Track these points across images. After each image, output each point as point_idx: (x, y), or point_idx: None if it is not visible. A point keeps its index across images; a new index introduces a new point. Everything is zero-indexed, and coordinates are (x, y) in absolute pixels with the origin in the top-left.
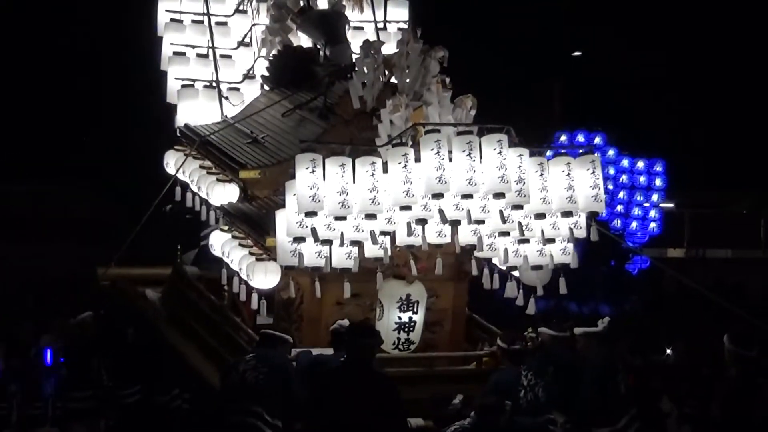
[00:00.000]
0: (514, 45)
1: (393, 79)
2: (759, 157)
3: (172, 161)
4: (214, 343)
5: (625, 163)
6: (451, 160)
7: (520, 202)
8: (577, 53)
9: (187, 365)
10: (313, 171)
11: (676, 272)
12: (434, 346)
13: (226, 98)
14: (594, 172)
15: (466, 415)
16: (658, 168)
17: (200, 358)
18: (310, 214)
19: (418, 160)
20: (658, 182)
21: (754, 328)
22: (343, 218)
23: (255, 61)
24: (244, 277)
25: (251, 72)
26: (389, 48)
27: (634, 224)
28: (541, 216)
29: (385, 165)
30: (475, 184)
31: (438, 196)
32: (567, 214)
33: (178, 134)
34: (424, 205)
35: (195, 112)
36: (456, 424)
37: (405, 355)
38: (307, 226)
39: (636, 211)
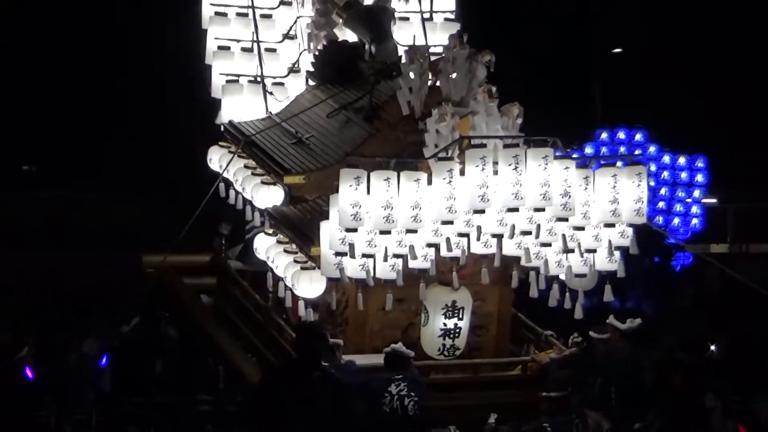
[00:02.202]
0: (553, 43)
1: (437, 83)
2: None
3: (215, 157)
4: (257, 343)
5: (667, 159)
6: (496, 173)
7: (565, 215)
8: (617, 50)
9: (233, 366)
10: (356, 188)
11: (716, 271)
12: (479, 349)
13: (271, 93)
14: (640, 184)
15: None
16: (700, 164)
17: (244, 358)
18: (351, 230)
19: (463, 171)
20: (699, 178)
21: None
22: (388, 232)
23: (300, 54)
24: (289, 284)
25: (296, 66)
26: (436, 39)
27: (676, 221)
28: (581, 228)
29: (429, 176)
30: (521, 198)
31: (480, 212)
32: (609, 225)
33: (222, 130)
34: (467, 221)
35: (239, 107)
36: None
37: (450, 361)
38: (348, 242)
39: (678, 207)
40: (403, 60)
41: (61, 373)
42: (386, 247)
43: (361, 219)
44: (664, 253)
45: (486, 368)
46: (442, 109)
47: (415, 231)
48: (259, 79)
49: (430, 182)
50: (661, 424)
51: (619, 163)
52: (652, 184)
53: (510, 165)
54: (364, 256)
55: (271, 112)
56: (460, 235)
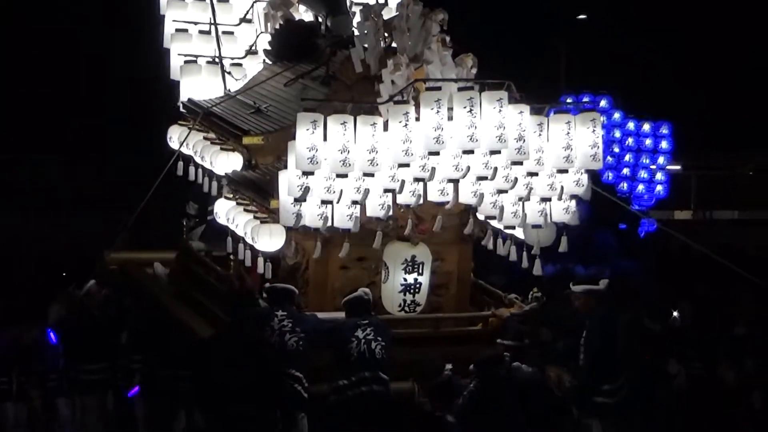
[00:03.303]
0: (518, 9)
1: (393, 44)
2: (766, 118)
3: (175, 135)
4: (222, 315)
5: (631, 125)
6: (451, 118)
7: (520, 158)
8: (581, 16)
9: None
10: (312, 132)
11: (684, 235)
12: (440, 309)
13: (229, 73)
14: (594, 130)
15: (456, 383)
16: (664, 130)
17: (209, 331)
18: (308, 173)
19: (419, 118)
20: (664, 144)
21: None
22: (345, 176)
23: (257, 37)
24: (249, 241)
25: (254, 48)
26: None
27: (640, 187)
28: (533, 174)
29: (386, 124)
30: (477, 140)
31: (435, 154)
32: (563, 171)
33: (181, 109)
34: (422, 166)
35: (198, 87)
36: (464, 393)
37: (411, 316)
38: (305, 185)
39: (642, 173)
40: (358, 19)
41: (25, 340)
42: (341, 190)
43: (317, 162)
44: (631, 220)
45: (447, 324)
46: (397, 59)
47: (372, 174)
48: (217, 59)
49: (386, 129)
50: (629, 389)
51: None
52: (617, 150)
53: (465, 108)
54: (322, 202)
55: (229, 90)
56: (416, 180)
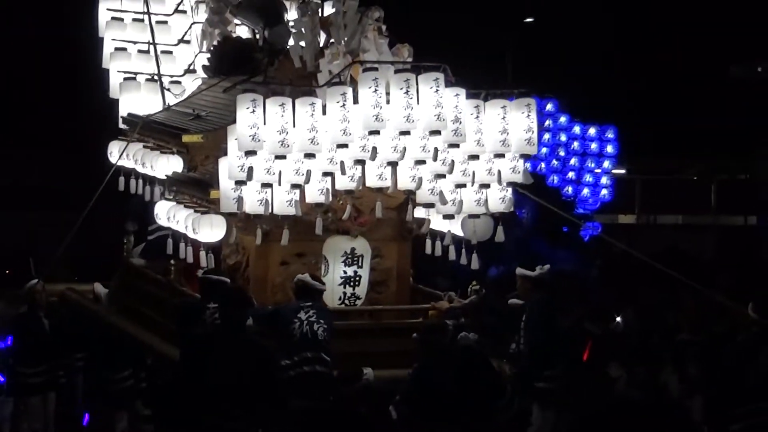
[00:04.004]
0: (464, 10)
1: (331, 40)
2: (709, 123)
3: (115, 150)
4: (165, 321)
5: (577, 129)
6: (388, 102)
7: (457, 140)
8: (528, 20)
9: (144, 347)
10: (253, 111)
11: (628, 239)
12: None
13: (168, 90)
14: (529, 115)
15: (374, 387)
16: (610, 135)
17: (153, 338)
18: (250, 153)
19: (356, 101)
20: (609, 149)
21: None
22: (283, 157)
23: (195, 56)
24: (190, 234)
25: (192, 67)
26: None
27: (585, 191)
28: (474, 157)
29: (324, 108)
30: (413, 121)
31: (375, 133)
32: (500, 156)
33: (121, 124)
34: (362, 146)
35: (137, 104)
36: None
37: (352, 308)
38: (247, 167)
39: (587, 177)
40: (295, 15)
41: None
42: (281, 173)
43: (259, 140)
44: (573, 223)
45: (388, 316)
46: (333, 49)
47: (312, 155)
48: (156, 77)
49: (324, 113)
50: (568, 381)
51: None
52: (563, 154)
53: (401, 89)
54: (262, 186)
55: (169, 104)
56: (356, 162)
